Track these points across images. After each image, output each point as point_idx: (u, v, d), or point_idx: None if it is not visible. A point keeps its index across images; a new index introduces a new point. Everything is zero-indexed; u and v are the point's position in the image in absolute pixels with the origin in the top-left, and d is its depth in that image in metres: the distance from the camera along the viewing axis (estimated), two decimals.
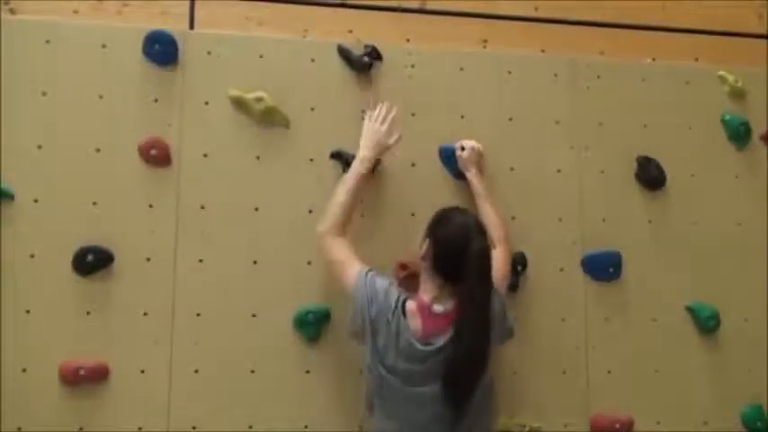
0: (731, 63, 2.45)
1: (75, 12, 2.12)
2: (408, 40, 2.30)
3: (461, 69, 2.25)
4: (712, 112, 2.40)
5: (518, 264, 2.17)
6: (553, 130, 2.28)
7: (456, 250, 1.76)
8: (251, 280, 2.05)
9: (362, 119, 2.07)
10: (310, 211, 2.09)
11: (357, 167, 1.97)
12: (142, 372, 1.97)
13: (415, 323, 1.77)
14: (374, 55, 2.18)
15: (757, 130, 2.41)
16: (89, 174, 2.01)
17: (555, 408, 2.17)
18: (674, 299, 2.29)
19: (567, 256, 2.24)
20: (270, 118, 2.11)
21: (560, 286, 2.22)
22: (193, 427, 1.98)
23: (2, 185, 1.95)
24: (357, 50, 2.18)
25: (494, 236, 1.98)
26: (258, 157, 2.11)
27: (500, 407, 1.96)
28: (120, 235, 2.00)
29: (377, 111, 2.05)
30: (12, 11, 2.08)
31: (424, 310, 1.78)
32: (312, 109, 2.15)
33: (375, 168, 2.07)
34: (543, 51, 2.37)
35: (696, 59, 2.48)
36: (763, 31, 2.57)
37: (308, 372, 2.05)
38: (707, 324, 2.28)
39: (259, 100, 2.09)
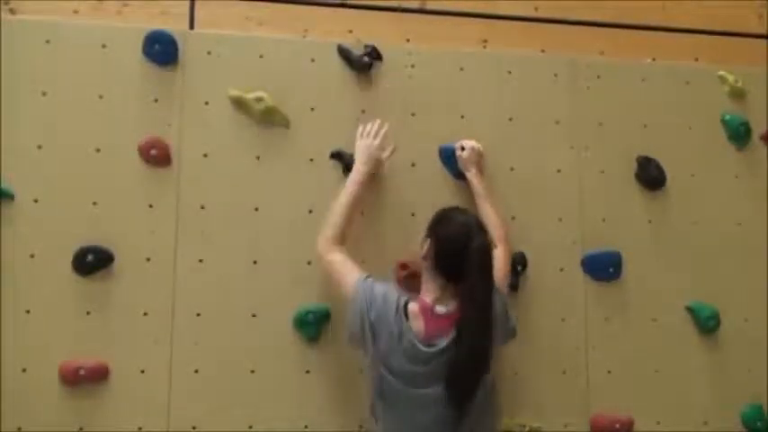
0: (731, 63, 2.45)
1: (76, 12, 2.12)
2: (408, 40, 2.30)
3: (461, 69, 2.25)
4: (712, 112, 2.40)
5: (518, 264, 2.17)
6: (553, 130, 2.28)
7: (457, 248, 1.76)
8: (251, 280, 2.05)
9: (358, 128, 2.08)
10: (310, 211, 2.09)
11: (354, 180, 1.99)
12: (142, 372, 1.97)
13: (417, 325, 1.77)
14: (374, 55, 2.18)
15: (757, 130, 2.41)
16: (89, 174, 2.01)
17: (555, 408, 2.17)
18: (674, 299, 2.29)
19: (567, 256, 2.24)
20: (270, 118, 2.11)
21: (560, 286, 2.22)
22: (193, 427, 1.98)
23: (2, 185, 1.95)
24: (357, 50, 2.18)
25: (494, 236, 1.98)
26: (258, 157, 2.11)
27: (503, 407, 1.96)
28: (120, 235, 2.00)
29: (368, 127, 2.06)
30: (12, 11, 2.08)
31: (427, 312, 1.78)
32: (312, 109, 2.15)
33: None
34: (543, 51, 2.37)
35: (696, 59, 2.48)
36: (763, 31, 2.57)
37: (308, 372, 2.05)
38: (707, 324, 2.28)
39: (259, 100, 2.09)
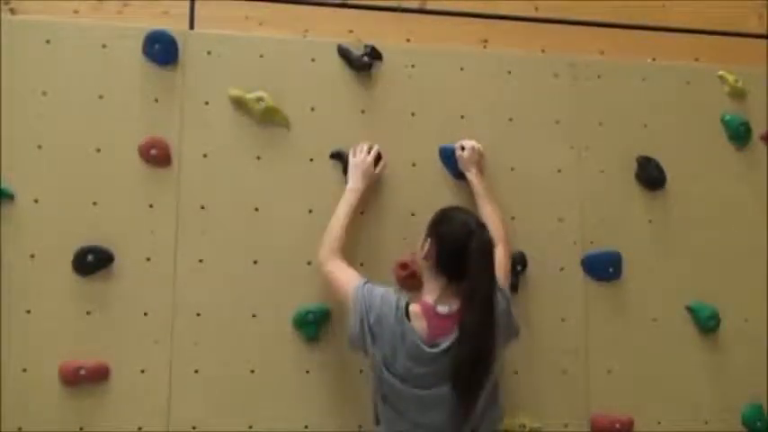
0: (731, 63, 2.45)
1: (76, 12, 2.12)
2: (408, 40, 2.30)
3: (461, 69, 2.25)
4: (712, 112, 2.40)
5: (518, 264, 2.17)
6: (553, 130, 2.28)
7: (459, 246, 1.76)
8: (251, 280, 2.05)
9: (350, 150, 2.10)
10: (310, 211, 2.10)
11: (348, 199, 2.02)
12: (142, 372, 1.97)
13: (420, 325, 1.76)
14: (374, 55, 2.18)
15: (757, 130, 2.41)
16: (89, 174, 2.01)
17: (555, 408, 2.17)
18: (674, 299, 2.29)
19: (567, 256, 2.24)
20: (270, 118, 2.11)
21: (560, 286, 2.22)
22: (193, 427, 1.98)
23: (2, 185, 1.95)
24: (357, 50, 2.18)
25: (494, 235, 1.97)
26: (258, 157, 2.11)
27: (505, 408, 1.96)
28: (120, 235, 2.00)
29: (359, 147, 2.09)
30: (12, 11, 2.08)
31: (429, 312, 1.78)
32: (312, 109, 2.15)
33: (377, 166, 2.09)
34: (543, 51, 2.37)
35: (696, 59, 2.48)
36: (763, 31, 2.56)
37: (307, 372, 2.05)
38: (707, 324, 2.28)
39: (259, 100, 2.09)
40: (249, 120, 2.11)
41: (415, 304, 1.80)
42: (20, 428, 1.89)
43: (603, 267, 2.25)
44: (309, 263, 2.07)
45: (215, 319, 2.02)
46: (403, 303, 1.79)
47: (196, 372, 2.00)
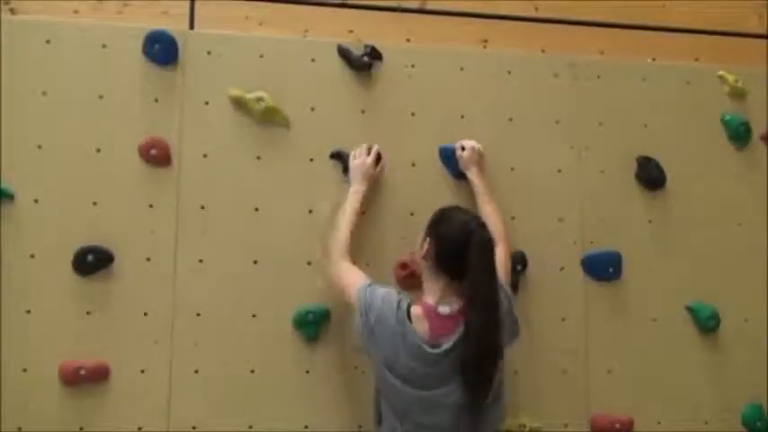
0: (731, 63, 2.45)
1: (76, 12, 2.13)
2: (408, 40, 2.30)
3: (461, 69, 2.25)
4: (712, 112, 2.40)
5: (518, 264, 2.17)
6: (553, 130, 2.28)
7: (459, 245, 1.76)
8: (251, 280, 2.05)
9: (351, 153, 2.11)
10: (310, 211, 2.10)
11: (352, 201, 2.03)
12: (142, 372, 1.97)
13: (421, 326, 1.76)
14: (374, 55, 2.18)
15: (757, 130, 2.41)
16: (89, 174, 2.01)
17: (555, 408, 2.17)
18: (674, 299, 2.29)
19: (567, 256, 2.24)
20: (270, 118, 2.11)
21: (560, 286, 2.22)
22: (193, 427, 1.98)
23: (2, 185, 1.95)
24: (357, 50, 2.18)
25: (494, 235, 1.97)
26: (258, 157, 2.11)
27: (507, 409, 1.96)
28: (120, 235, 2.00)
29: (359, 149, 2.10)
30: (12, 11, 2.08)
31: (430, 313, 1.78)
32: (312, 109, 2.15)
33: (377, 166, 2.10)
34: (543, 51, 2.38)
35: (696, 59, 2.48)
36: (763, 31, 2.57)
37: (307, 372, 2.05)
38: (707, 324, 2.28)
39: (259, 100, 2.09)
40: (249, 120, 2.11)
41: (417, 306, 1.79)
42: (20, 428, 1.89)
43: (603, 267, 2.25)
44: (309, 263, 2.07)
45: (215, 319, 2.02)
46: (405, 305, 1.78)
47: (196, 372, 2.00)
